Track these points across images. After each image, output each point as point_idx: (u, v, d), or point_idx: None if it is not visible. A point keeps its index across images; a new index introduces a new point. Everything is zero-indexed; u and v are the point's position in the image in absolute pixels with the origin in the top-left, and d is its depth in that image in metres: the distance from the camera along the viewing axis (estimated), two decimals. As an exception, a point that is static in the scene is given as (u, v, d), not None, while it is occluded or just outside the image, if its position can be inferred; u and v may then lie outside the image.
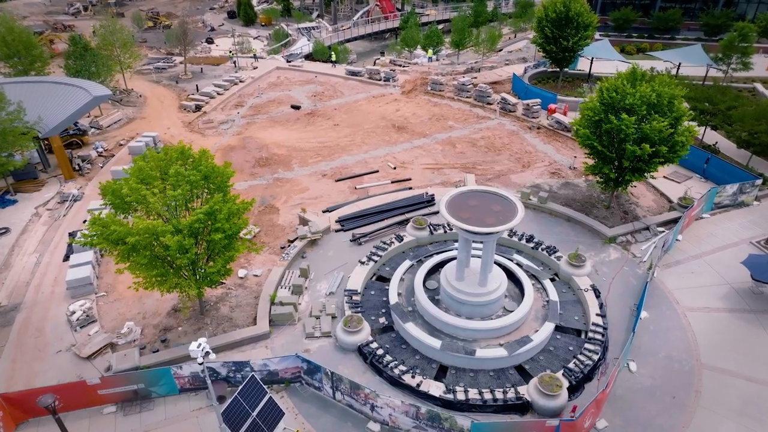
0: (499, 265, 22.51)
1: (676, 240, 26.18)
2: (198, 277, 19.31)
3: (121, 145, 38.09)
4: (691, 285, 23.58)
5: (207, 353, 13.74)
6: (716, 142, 35.45)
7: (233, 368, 18.49)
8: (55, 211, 29.90)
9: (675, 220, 27.39)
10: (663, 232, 27.04)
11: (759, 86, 45.07)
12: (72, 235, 26.86)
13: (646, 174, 26.22)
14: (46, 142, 33.99)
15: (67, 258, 25.33)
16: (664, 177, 31.31)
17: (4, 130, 28.16)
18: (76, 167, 34.17)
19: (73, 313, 21.86)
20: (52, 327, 21.63)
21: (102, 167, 34.89)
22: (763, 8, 59.23)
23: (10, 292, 23.74)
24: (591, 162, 27.58)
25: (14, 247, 26.86)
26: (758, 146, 31.52)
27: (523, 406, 17.92)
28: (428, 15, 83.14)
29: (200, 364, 13.57)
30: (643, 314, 21.62)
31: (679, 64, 45.94)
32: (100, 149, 37.00)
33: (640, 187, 30.81)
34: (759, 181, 29.01)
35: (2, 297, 23.41)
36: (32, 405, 16.88)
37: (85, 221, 27.74)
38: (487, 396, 18.08)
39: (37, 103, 32.00)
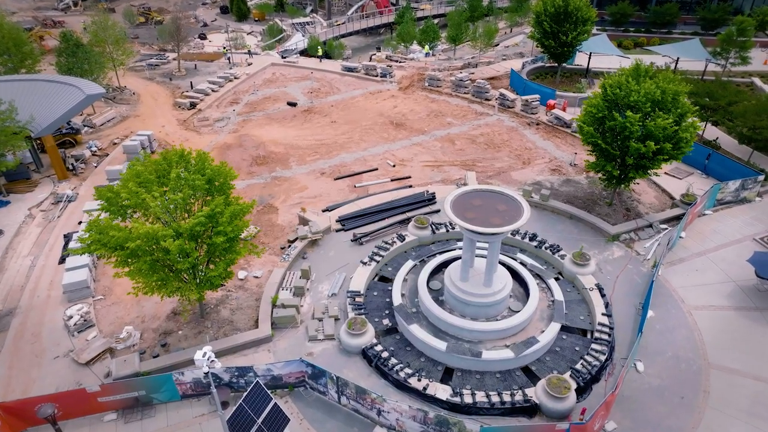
0: (504, 264, 22.24)
1: (680, 237, 26.03)
2: (199, 281, 18.91)
3: (115, 144, 37.43)
4: (696, 283, 23.44)
5: (212, 362, 13.37)
6: (717, 138, 35.34)
7: (236, 374, 18.13)
8: (49, 212, 29.31)
9: (677, 217, 27.27)
10: (666, 229, 26.90)
11: (757, 81, 45.01)
12: (67, 237, 26.37)
13: (649, 171, 26.01)
14: (38, 141, 33.34)
15: (62, 260, 24.80)
16: (666, 173, 31.13)
17: (-5, 129, 27.61)
18: (70, 167, 33.55)
19: (71, 317, 21.41)
20: (49, 332, 21.16)
21: (96, 167, 34.27)
22: (759, 2, 59.17)
23: (4, 296, 23.21)
24: (592, 159, 27.36)
25: (8, 249, 26.29)
26: (760, 142, 31.40)
27: (531, 409, 17.72)
28: (423, 10, 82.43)
29: (206, 374, 13.19)
30: (649, 313, 21.42)
31: (678, 58, 45.74)
32: (93, 148, 36.36)
33: (641, 184, 30.61)
34: (761, 177, 28.90)
35: (-3, 301, 22.94)
36: (30, 414, 16.50)
37: (80, 222, 27.31)
38: (495, 399, 17.86)
39: (28, 102, 31.34)
